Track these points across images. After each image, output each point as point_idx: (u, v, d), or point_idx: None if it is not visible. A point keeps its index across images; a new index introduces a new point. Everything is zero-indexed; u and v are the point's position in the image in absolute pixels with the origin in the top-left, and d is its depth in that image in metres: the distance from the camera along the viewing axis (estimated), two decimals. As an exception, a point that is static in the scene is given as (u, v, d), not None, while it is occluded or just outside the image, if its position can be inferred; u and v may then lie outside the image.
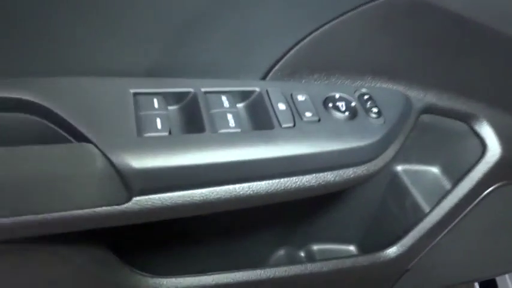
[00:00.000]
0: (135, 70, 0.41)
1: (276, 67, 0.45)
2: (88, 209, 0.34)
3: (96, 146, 0.34)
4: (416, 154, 0.59)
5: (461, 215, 0.57)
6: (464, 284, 0.89)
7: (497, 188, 0.57)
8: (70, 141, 0.36)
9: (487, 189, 0.56)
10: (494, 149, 0.54)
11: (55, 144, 0.34)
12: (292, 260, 0.66)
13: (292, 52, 0.45)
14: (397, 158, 0.50)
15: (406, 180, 0.59)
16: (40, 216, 0.33)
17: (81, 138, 0.35)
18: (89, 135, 0.34)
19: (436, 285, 0.70)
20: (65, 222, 0.34)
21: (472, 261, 0.67)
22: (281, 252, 0.67)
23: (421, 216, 0.57)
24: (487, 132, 0.54)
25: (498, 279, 0.91)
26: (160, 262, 0.52)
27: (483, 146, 0.55)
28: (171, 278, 0.48)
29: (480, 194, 0.56)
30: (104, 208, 0.35)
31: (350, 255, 0.58)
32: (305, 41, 0.44)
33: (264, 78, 0.45)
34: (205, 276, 0.50)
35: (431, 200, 0.58)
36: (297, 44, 0.44)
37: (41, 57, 0.38)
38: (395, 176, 0.60)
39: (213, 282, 0.50)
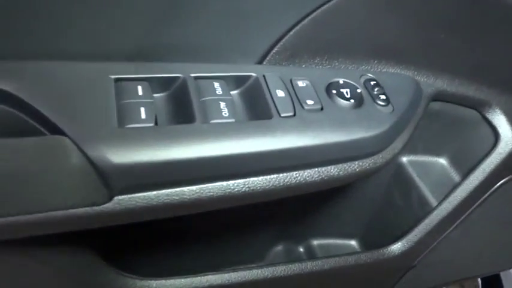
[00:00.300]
0: (116, 53, 0.37)
1: (274, 50, 0.41)
2: (63, 210, 0.30)
3: (70, 138, 0.30)
4: (423, 144, 0.55)
5: (471, 209, 0.54)
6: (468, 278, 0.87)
7: (509, 180, 0.53)
8: (44, 134, 0.32)
9: (499, 181, 0.53)
10: (507, 138, 0.51)
11: (22, 138, 0.30)
12: (291, 256, 0.63)
13: (291, 33, 0.40)
14: (403, 149, 0.46)
15: (412, 172, 0.56)
16: (7, 219, 0.29)
17: (54, 130, 0.31)
18: (62, 127, 0.30)
19: (441, 282, 0.67)
20: (36, 225, 0.30)
21: (479, 256, 0.64)
22: (279, 247, 0.64)
23: (428, 210, 0.54)
24: (500, 120, 0.51)
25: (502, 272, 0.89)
26: (150, 263, 0.49)
27: (495, 136, 0.51)
28: (161, 279, 0.45)
29: (491, 187, 0.53)
30: (82, 209, 0.31)
31: (352, 253, 0.54)
32: (306, 21, 0.40)
33: (260, 62, 0.41)
34: (198, 277, 0.46)
35: (439, 193, 0.54)
36: (296, 24, 0.40)
37: (12, 38, 0.34)
38: (400, 167, 0.56)
39: (207, 284, 0.46)
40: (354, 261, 0.54)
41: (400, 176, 0.56)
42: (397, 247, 0.54)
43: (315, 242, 0.65)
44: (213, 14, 0.38)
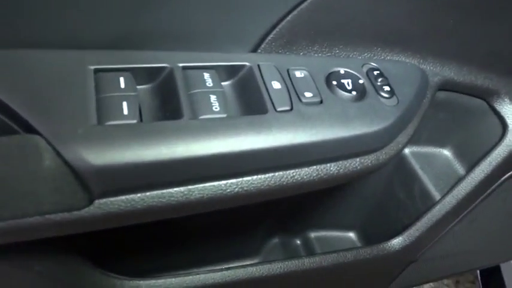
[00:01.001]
0: (95, 40, 0.33)
1: (270, 36, 0.37)
2: (37, 216, 0.28)
3: (44, 138, 0.27)
4: (427, 134, 0.53)
5: (475, 203, 0.52)
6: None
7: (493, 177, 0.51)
8: (15, 132, 0.29)
9: (506, 174, 0.51)
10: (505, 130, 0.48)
11: (-11, 138, 0.27)
12: (288, 250, 0.61)
13: (288, 18, 0.37)
14: (407, 143, 0.43)
15: (415, 164, 0.53)
16: None
17: (26, 128, 0.28)
18: (35, 125, 0.27)
19: (442, 275, 0.65)
20: (8, 233, 0.28)
21: (481, 249, 0.63)
22: (276, 240, 0.62)
23: (430, 204, 0.51)
24: (508, 111, 0.48)
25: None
26: (138, 262, 0.47)
27: (503, 127, 0.49)
28: (150, 280, 0.43)
29: (497, 180, 0.51)
30: (59, 214, 0.28)
31: (351, 248, 0.52)
32: (304, 4, 0.37)
33: (254, 50, 0.38)
34: (190, 277, 0.44)
35: (443, 186, 0.52)
36: (294, 8, 0.37)
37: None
38: (402, 159, 0.54)
39: (199, 283, 0.44)
40: (353, 257, 0.52)
41: (402, 167, 0.54)
42: (397, 242, 0.52)
43: (313, 235, 0.63)
44: (201, -3, 0.34)
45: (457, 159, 0.53)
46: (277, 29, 0.37)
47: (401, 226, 0.53)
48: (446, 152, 0.54)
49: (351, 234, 0.63)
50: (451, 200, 0.50)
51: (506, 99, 0.48)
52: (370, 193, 0.57)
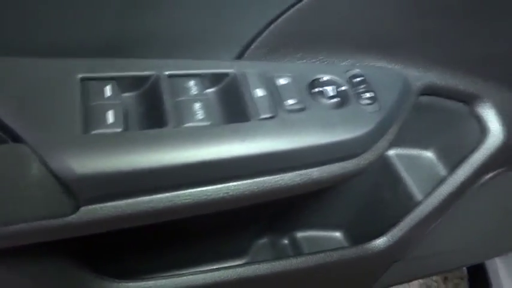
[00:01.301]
0: (80, 48, 0.34)
1: (254, 44, 0.38)
2: (23, 223, 0.28)
3: (29, 146, 0.28)
4: (410, 137, 0.54)
5: (457, 203, 0.53)
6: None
7: (495, 175, 0.52)
8: (5, 141, 0.29)
9: (486, 175, 0.52)
10: (496, 133, 0.49)
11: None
12: (276, 250, 0.62)
13: (272, 26, 0.38)
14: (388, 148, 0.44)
15: (399, 166, 0.54)
16: None
17: (12, 136, 0.28)
18: (21, 133, 0.28)
19: (426, 273, 0.67)
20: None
21: (465, 248, 0.64)
22: (264, 240, 0.63)
23: (413, 204, 0.53)
24: (489, 114, 0.49)
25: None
26: (127, 263, 0.47)
27: (484, 130, 0.50)
28: (139, 281, 0.43)
29: (478, 181, 0.52)
30: (45, 221, 0.29)
31: (337, 248, 0.54)
32: (289, 12, 0.38)
33: (240, 57, 0.39)
34: (178, 278, 0.45)
35: (425, 187, 0.53)
36: (279, 16, 0.37)
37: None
38: (386, 160, 0.55)
39: (188, 285, 0.45)
40: (339, 256, 0.53)
41: (386, 169, 0.55)
42: (381, 241, 0.53)
43: (300, 235, 0.64)
44: (187, 4, 0.35)
45: (440, 161, 0.54)
46: (262, 37, 0.38)
47: (386, 226, 0.54)
48: (430, 154, 0.55)
49: (338, 234, 0.64)
50: (433, 200, 0.52)
51: (487, 104, 0.49)
52: (356, 194, 0.58)
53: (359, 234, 0.60)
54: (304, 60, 0.40)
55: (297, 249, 0.63)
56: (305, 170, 0.36)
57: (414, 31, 0.43)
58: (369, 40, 0.42)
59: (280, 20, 0.37)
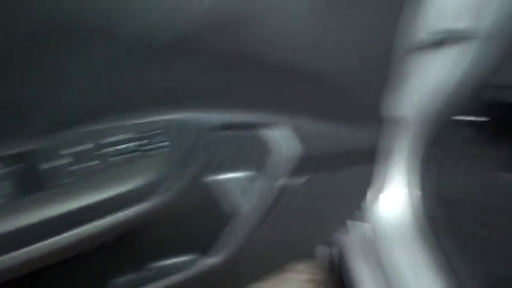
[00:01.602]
0: None
1: None
2: None
3: None
4: (224, 164, 0.64)
5: (265, 212, 0.65)
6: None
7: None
8: None
9: (277, 182, 0.65)
10: (277, 150, 0.62)
11: None
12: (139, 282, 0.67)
13: None
14: (208, 170, 0.54)
15: (215, 190, 0.64)
16: None
17: None
18: None
19: (263, 274, 0.78)
20: None
21: (283, 249, 0.77)
22: (128, 277, 0.67)
23: (226, 221, 0.63)
24: (271, 137, 0.62)
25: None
26: None
27: (268, 149, 0.63)
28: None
29: (273, 190, 0.64)
30: None
31: (182, 270, 0.61)
32: None
33: None
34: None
35: (234, 204, 0.64)
36: None
37: None
38: (205, 187, 0.64)
39: None
40: (185, 276, 0.61)
41: (206, 195, 0.64)
42: (212, 258, 0.62)
43: (158, 264, 0.70)
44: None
45: (246, 179, 0.65)
46: None
47: (211, 245, 0.64)
48: (243, 174, 0.66)
49: (190, 257, 0.71)
50: (253, 212, 0.63)
51: (284, 128, 0.62)
52: (185, 222, 0.67)
53: (202, 254, 0.69)
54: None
55: (158, 277, 0.69)
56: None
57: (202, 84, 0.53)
58: (163, 97, 0.51)
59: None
